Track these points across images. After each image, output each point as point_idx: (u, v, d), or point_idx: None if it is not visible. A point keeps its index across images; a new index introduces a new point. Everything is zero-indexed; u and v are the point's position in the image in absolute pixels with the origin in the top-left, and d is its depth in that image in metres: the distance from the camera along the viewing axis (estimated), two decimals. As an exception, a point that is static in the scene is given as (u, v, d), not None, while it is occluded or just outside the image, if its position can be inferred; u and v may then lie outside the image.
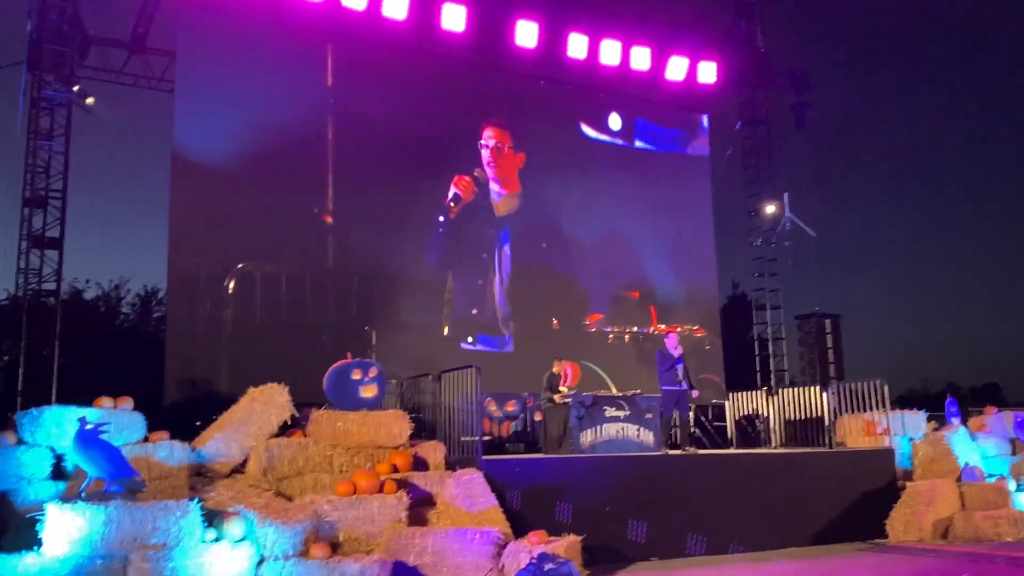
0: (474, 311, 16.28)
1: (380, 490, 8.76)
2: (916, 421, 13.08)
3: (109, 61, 16.29)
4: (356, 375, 10.07)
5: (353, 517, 8.42)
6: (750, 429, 14.40)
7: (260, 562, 7.41)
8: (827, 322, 20.15)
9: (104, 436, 7.43)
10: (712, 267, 19.39)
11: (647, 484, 10.05)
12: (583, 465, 9.96)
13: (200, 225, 13.90)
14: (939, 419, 13.79)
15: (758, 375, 19.81)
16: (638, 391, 12.03)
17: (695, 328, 17.86)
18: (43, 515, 6.76)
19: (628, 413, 11.33)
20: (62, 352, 13.63)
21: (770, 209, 19.87)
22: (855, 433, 12.84)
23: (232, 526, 7.35)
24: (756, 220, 20.10)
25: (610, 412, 11.23)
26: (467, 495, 8.86)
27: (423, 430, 11.19)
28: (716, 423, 15.45)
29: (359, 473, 8.91)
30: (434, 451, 10.16)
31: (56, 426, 8.30)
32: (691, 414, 13.47)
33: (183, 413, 12.93)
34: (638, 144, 18.69)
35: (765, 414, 14.21)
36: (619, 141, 18.49)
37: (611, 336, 17.52)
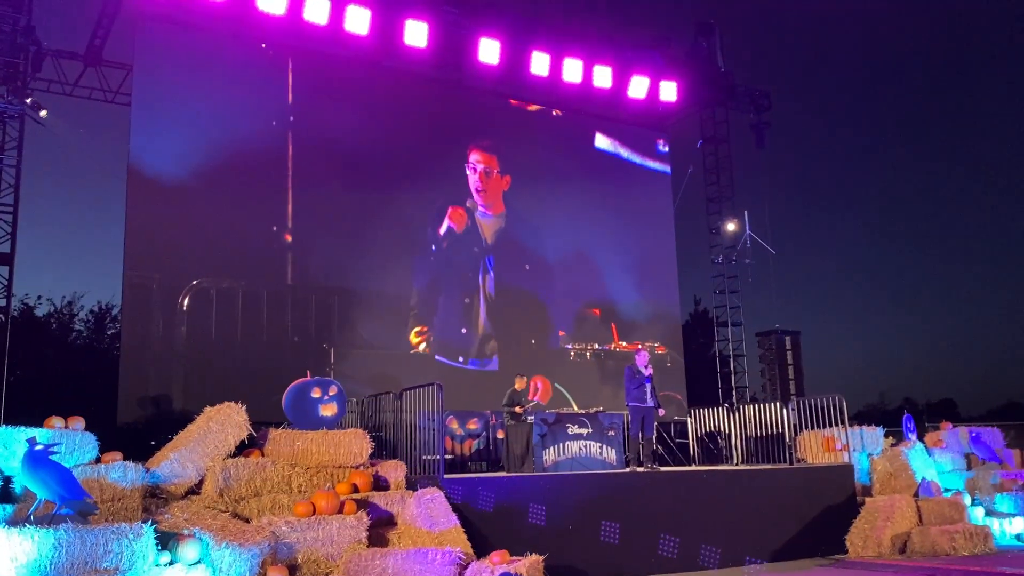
0: (463, 331, 16.33)
1: (340, 511, 8.63)
2: (874, 437, 13.24)
3: (64, 74, 16.03)
4: (315, 393, 9.95)
5: (312, 538, 8.28)
6: (712, 446, 14.46)
7: (216, 586, 7.24)
8: (787, 339, 20.38)
9: (54, 457, 7.24)
10: (674, 284, 19.53)
11: (610, 502, 10.01)
12: (546, 483, 9.90)
13: (156, 240, 13.66)
14: (897, 435, 13.99)
15: (720, 391, 19.95)
16: (600, 408, 12.02)
17: (656, 345, 17.98)
18: (-12, 540, 6.52)
19: (591, 431, 11.31)
20: (11, 370, 13.30)
21: (731, 227, 20.10)
22: (815, 449, 12.95)
23: (187, 549, 7.19)
24: (717, 237, 20.33)
25: (573, 430, 11.20)
26: (428, 515, 8.76)
27: (384, 449, 11.07)
28: (678, 440, 15.50)
29: (318, 493, 8.77)
30: (395, 470, 10.03)
31: (4, 447, 8.04)
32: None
33: (137, 433, 12.67)
34: (601, 160, 18.81)
35: (726, 431, 14.28)
36: (584, 153, 18.63)
37: (572, 353, 17.54)
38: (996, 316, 75.30)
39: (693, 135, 20.71)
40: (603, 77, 17.82)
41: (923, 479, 12.46)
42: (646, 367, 11.68)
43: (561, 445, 11.01)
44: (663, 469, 11.92)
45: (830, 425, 12.71)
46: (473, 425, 13.54)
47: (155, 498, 8.67)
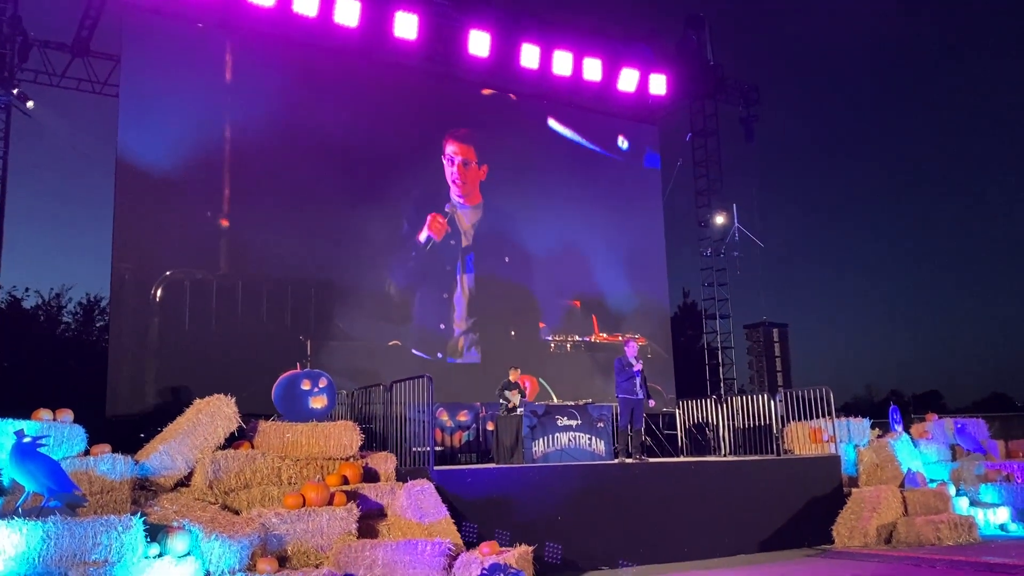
0: (442, 326, 16.25)
1: (330, 502, 8.65)
2: (861, 428, 13.34)
3: (51, 64, 15.92)
4: (305, 385, 9.95)
5: (302, 530, 8.30)
6: (700, 437, 14.54)
7: (205, 577, 7.26)
8: (775, 331, 20.49)
9: (43, 449, 7.23)
10: (663, 277, 19.56)
11: (598, 493, 10.07)
12: (535, 475, 9.94)
13: (146, 232, 13.59)
14: (883, 426, 14.09)
15: (708, 383, 20.05)
16: (590, 400, 12.07)
17: (636, 336, 17.96)
18: (-23, 532, 6.51)
19: (580, 422, 11.36)
20: (-1, 362, 13.23)
21: (719, 219, 20.16)
22: (802, 440, 13.04)
23: (176, 541, 7.19)
24: (706, 230, 20.38)
25: (562, 421, 11.25)
26: (418, 506, 8.79)
27: (374, 441, 11.09)
28: (667, 431, 15.58)
29: (308, 485, 8.79)
30: (385, 462, 10.06)
31: (-8, 439, 8.02)
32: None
33: (126, 425, 12.63)
34: (590, 152, 18.80)
35: (715, 422, 14.36)
36: (574, 145, 18.58)
37: (553, 345, 17.54)
38: (981, 309, 75.85)
39: (683, 128, 20.76)
40: (593, 70, 17.81)
41: (909, 470, 12.57)
42: (636, 358, 11.73)
43: (550, 437, 11.05)
44: (651, 460, 11.98)
45: (817, 417, 12.80)
46: (463, 417, 13.56)
47: (144, 490, 8.67)
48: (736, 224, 19.94)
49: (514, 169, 17.52)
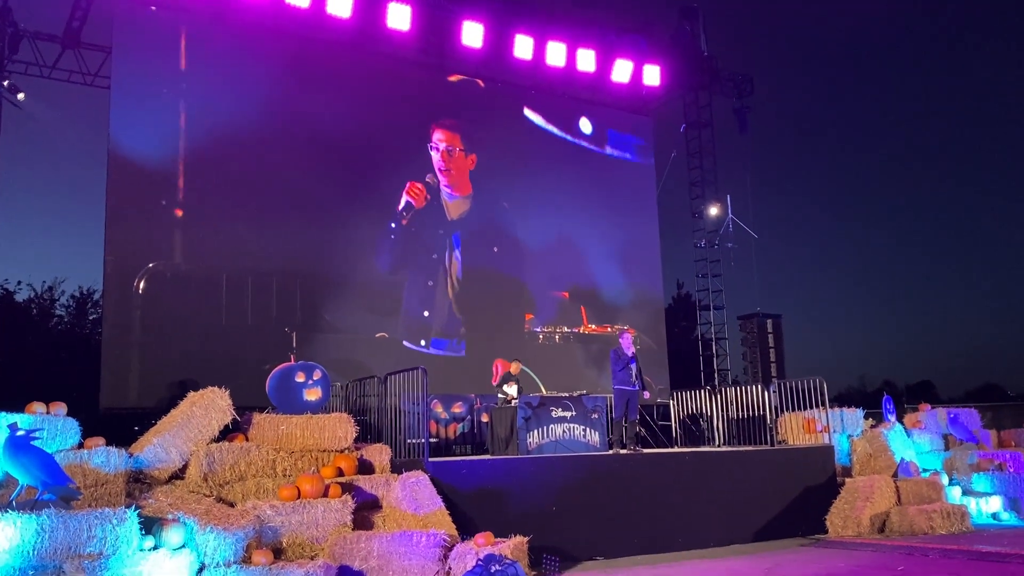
0: (426, 313, 16.16)
1: (325, 494, 8.65)
2: (854, 418, 13.39)
3: (42, 56, 15.82)
4: (300, 378, 9.93)
5: (297, 522, 8.29)
6: (694, 428, 14.58)
7: (200, 570, 7.25)
8: (768, 322, 20.51)
9: (36, 443, 7.20)
10: (657, 268, 19.58)
11: (593, 484, 10.09)
12: (529, 466, 9.96)
13: (138, 224, 13.55)
14: (876, 416, 14.14)
15: (702, 374, 20.08)
16: (584, 391, 12.08)
17: (626, 328, 17.98)
18: (-29, 526, 6.49)
19: (574, 414, 11.37)
20: (-9, 356, 13.18)
21: (713, 211, 20.17)
22: (796, 431, 13.08)
23: (171, 533, 7.18)
24: (700, 221, 20.38)
25: (556, 413, 11.26)
26: (413, 498, 8.80)
27: (368, 433, 11.08)
28: (661, 422, 15.61)
29: (303, 477, 8.78)
30: (380, 454, 10.06)
31: (-15, 433, 7.99)
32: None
33: (120, 418, 12.63)
34: (584, 144, 18.78)
35: (709, 413, 14.40)
36: (567, 137, 18.55)
37: (541, 336, 17.53)
38: (974, 300, 76.11)
39: (676, 119, 20.74)
40: (587, 61, 17.77)
41: (902, 460, 12.63)
42: (629, 348, 11.74)
43: (545, 428, 11.06)
44: (646, 451, 12.01)
45: (811, 407, 12.85)
46: (458, 409, 13.59)
47: (139, 483, 8.64)
48: (730, 215, 19.96)
49: (505, 160, 17.48)
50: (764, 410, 13.30)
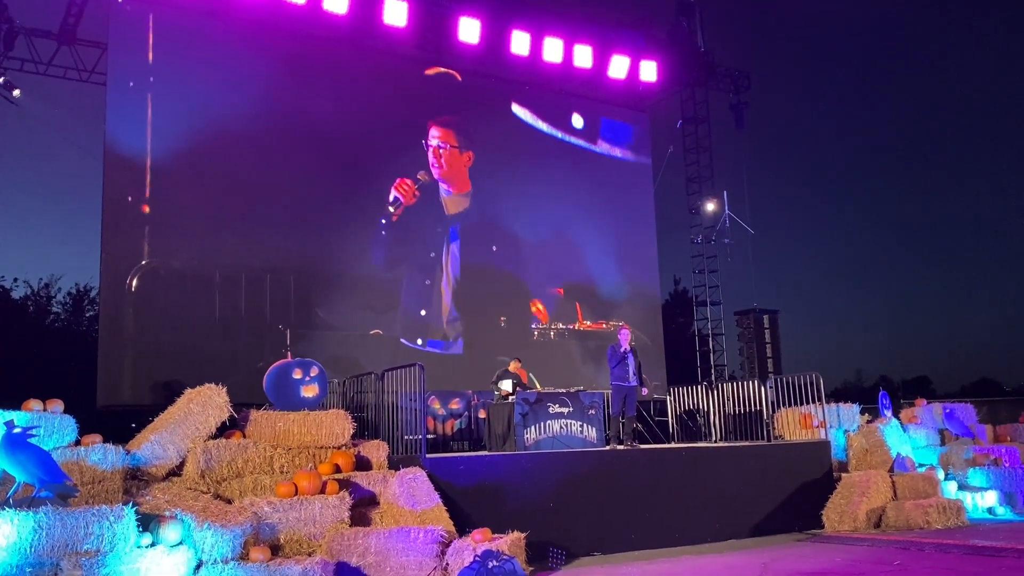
0: (423, 312, 16.16)
1: (322, 491, 8.65)
2: (850, 414, 13.40)
3: (37, 52, 15.79)
4: (297, 374, 9.93)
5: (294, 519, 8.30)
6: (691, 423, 14.60)
7: (198, 566, 7.26)
8: (765, 317, 20.55)
9: (33, 440, 7.20)
10: (654, 264, 19.59)
11: (590, 480, 10.10)
12: (527, 462, 9.97)
13: (135, 222, 13.54)
14: (872, 411, 14.17)
15: (699, 370, 20.10)
16: (581, 387, 12.09)
17: (621, 324, 17.99)
18: (-32, 523, 6.50)
19: (571, 409, 11.38)
20: (-12, 353, 13.17)
21: (710, 206, 20.18)
22: (792, 426, 13.10)
23: (168, 530, 7.18)
24: (697, 217, 20.39)
25: (554, 409, 11.27)
26: (410, 494, 8.81)
27: (366, 429, 11.09)
28: (658, 418, 15.63)
29: (300, 474, 8.79)
30: (377, 450, 10.07)
31: (-18, 430, 7.99)
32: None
33: (117, 415, 12.62)
34: (581, 140, 18.77)
35: (705, 408, 14.41)
36: (563, 135, 18.53)
37: (536, 333, 17.53)
38: (970, 295, 76.25)
39: (673, 115, 20.75)
40: (583, 56, 17.76)
41: (898, 455, 12.65)
42: (626, 343, 11.75)
43: (542, 424, 11.08)
44: (642, 446, 12.03)
45: (807, 402, 12.85)
46: (455, 405, 13.59)
47: (136, 480, 8.64)
48: (726, 211, 19.98)
49: (502, 157, 17.47)
50: (760, 406, 13.32)
